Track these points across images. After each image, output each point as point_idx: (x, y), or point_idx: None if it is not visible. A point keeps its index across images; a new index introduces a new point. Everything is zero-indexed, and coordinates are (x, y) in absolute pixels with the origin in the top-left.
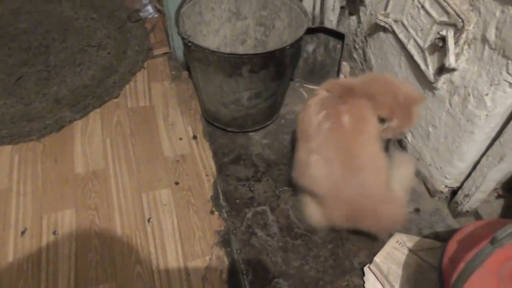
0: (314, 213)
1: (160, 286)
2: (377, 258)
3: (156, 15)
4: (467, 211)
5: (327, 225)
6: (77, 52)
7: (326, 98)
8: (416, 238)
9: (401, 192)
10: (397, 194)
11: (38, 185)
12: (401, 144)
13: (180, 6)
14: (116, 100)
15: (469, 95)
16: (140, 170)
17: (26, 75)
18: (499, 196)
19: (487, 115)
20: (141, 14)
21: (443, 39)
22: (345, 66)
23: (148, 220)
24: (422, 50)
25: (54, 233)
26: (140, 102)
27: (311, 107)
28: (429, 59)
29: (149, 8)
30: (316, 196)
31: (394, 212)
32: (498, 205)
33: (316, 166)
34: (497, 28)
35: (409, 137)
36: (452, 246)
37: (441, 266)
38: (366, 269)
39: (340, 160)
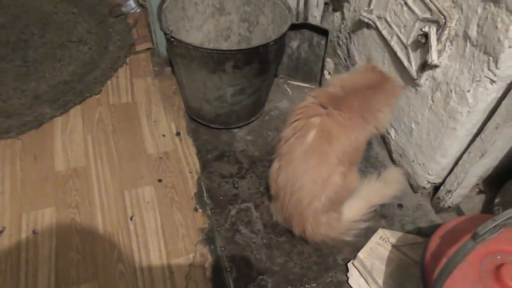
0: (273, 209)
1: (143, 284)
2: (360, 254)
3: (138, 10)
4: (449, 206)
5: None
6: (57, 47)
7: (307, 107)
8: (399, 234)
9: (347, 221)
10: (340, 222)
11: (17, 183)
12: (384, 141)
13: (163, 1)
14: (97, 96)
15: (451, 91)
16: (123, 167)
17: (4, 70)
18: (480, 192)
19: (468, 111)
20: (123, 9)
21: (426, 35)
22: (329, 62)
23: (131, 218)
24: (405, 46)
25: (34, 232)
26: (122, 98)
27: (292, 114)
28: (412, 55)
29: (131, 3)
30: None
31: (317, 233)
32: (479, 200)
33: (273, 168)
34: (478, 25)
35: (392, 134)
36: (434, 241)
37: (423, 261)
38: (350, 265)
39: (290, 170)
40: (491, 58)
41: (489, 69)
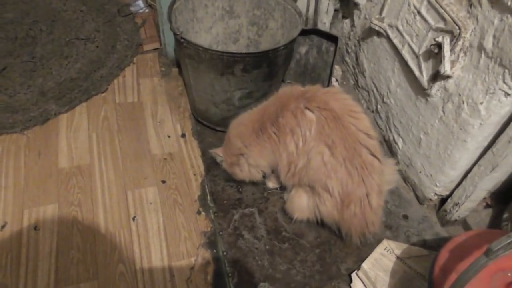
0: (301, 204)
1: (143, 286)
2: (365, 265)
3: (147, 10)
4: (456, 219)
5: (310, 218)
6: (65, 44)
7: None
8: (404, 246)
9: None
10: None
11: (20, 178)
12: (391, 150)
13: (173, 2)
14: (103, 94)
15: (463, 103)
16: (126, 167)
17: (11, 65)
18: (487, 206)
19: (480, 124)
20: (132, 9)
21: (439, 45)
22: (337, 69)
23: (133, 219)
24: (416, 56)
25: (35, 228)
26: (128, 97)
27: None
28: (423, 65)
29: (140, 3)
30: (315, 188)
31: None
32: (486, 214)
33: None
34: (494, 37)
35: (400, 143)
36: (443, 255)
37: (431, 275)
38: (353, 275)
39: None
40: (506, 70)
41: (504, 82)
